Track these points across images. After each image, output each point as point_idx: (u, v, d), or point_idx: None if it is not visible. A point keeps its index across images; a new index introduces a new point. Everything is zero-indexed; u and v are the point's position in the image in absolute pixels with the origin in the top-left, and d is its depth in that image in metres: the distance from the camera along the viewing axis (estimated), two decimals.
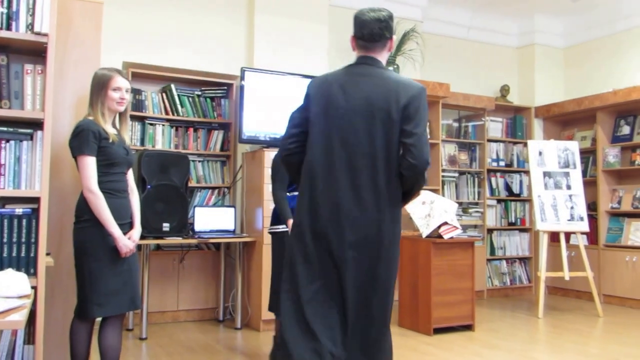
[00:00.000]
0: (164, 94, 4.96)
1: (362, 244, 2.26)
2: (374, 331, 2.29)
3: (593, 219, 6.22)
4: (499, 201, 6.76)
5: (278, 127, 4.68)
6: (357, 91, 2.33)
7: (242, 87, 4.68)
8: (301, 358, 2.21)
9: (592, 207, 6.34)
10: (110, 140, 2.69)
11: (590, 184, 6.35)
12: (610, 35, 6.66)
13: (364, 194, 2.27)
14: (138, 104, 4.82)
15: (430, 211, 4.60)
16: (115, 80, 2.74)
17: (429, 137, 2.35)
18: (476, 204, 6.60)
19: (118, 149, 2.74)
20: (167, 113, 4.95)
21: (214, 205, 5.04)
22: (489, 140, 6.74)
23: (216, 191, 5.13)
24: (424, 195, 4.71)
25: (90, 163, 2.62)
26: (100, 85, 2.73)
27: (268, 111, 4.83)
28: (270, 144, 4.75)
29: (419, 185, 2.41)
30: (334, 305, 2.28)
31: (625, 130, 6.24)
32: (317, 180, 2.31)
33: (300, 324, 2.26)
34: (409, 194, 2.44)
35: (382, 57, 2.45)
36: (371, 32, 2.37)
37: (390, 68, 2.57)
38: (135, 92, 4.78)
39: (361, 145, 2.28)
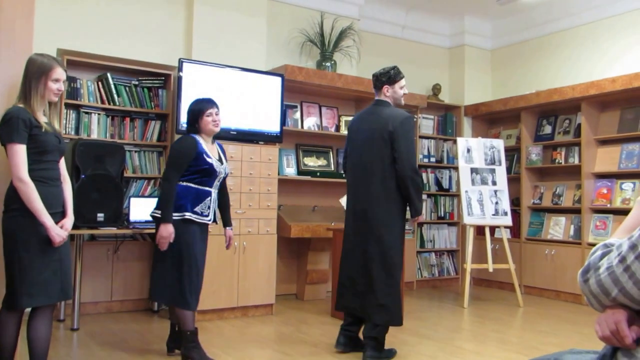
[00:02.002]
0: (100, 83, 4.87)
1: (372, 216, 3.56)
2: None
3: (516, 214, 6.55)
4: (429, 196, 7.00)
5: None
6: (368, 123, 3.68)
7: (179, 78, 4.66)
8: None
9: (515, 202, 6.67)
10: (43, 130, 2.65)
11: (514, 181, 6.67)
12: (534, 39, 7.00)
13: (374, 188, 3.56)
14: (73, 92, 4.72)
15: None
16: (56, 72, 2.70)
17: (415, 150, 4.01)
18: None
19: (49, 137, 2.69)
20: (103, 102, 4.87)
21: (150, 195, 5.01)
22: (421, 137, 6.96)
23: (152, 182, 5.09)
24: None
25: (20, 151, 2.56)
26: (39, 74, 2.67)
27: None
28: None
29: (412, 187, 3.50)
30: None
31: (547, 129, 6.60)
32: (351, 182, 3.75)
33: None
34: (408, 196, 3.53)
35: (383, 97, 3.71)
36: (373, 83, 3.76)
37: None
38: (71, 80, 4.68)
39: (369, 158, 3.59)
